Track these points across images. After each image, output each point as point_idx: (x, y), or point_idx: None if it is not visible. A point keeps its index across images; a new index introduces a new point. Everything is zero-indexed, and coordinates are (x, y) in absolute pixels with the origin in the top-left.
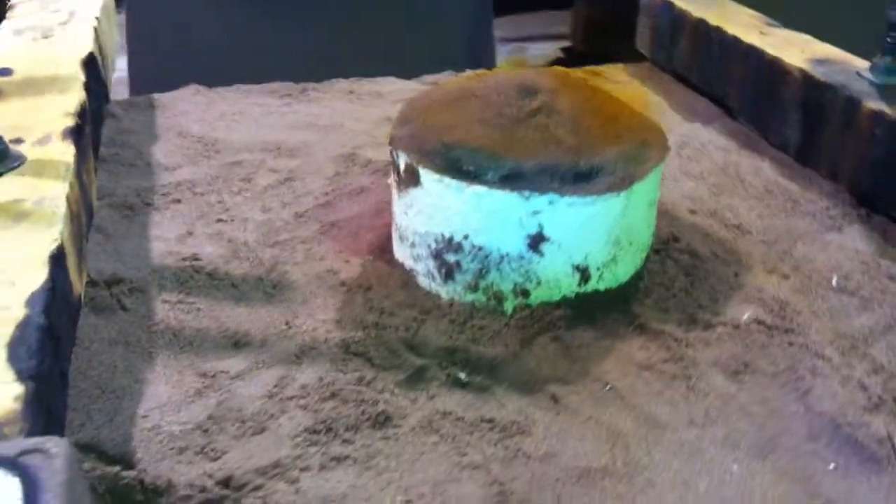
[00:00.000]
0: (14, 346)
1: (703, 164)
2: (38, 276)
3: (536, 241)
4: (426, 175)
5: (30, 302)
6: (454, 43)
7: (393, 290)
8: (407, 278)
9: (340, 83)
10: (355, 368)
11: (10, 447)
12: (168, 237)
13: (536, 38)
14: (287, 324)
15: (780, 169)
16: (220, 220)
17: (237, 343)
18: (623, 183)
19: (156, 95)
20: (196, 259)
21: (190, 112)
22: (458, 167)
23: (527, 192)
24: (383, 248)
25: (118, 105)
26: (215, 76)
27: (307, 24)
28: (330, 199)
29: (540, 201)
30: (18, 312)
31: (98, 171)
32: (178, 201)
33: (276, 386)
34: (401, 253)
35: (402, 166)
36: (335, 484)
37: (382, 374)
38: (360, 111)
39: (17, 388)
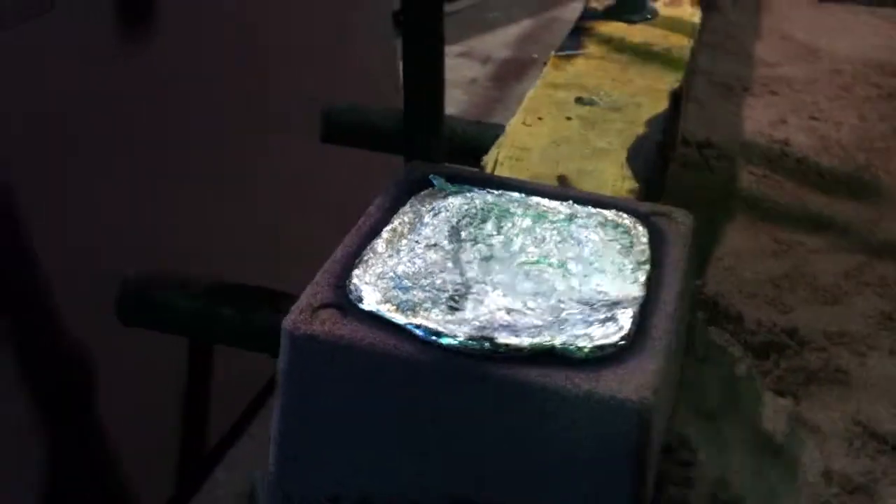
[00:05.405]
0: (632, 155)
1: None
2: (661, 104)
3: None
4: None
5: (650, 122)
6: None
7: None
8: None
9: None
10: None
11: (645, 206)
12: (760, 120)
13: None
14: (873, 221)
15: None
16: (813, 118)
17: (818, 225)
18: None
19: None
20: (786, 144)
21: (795, 19)
22: None
23: None
24: None
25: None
26: None
27: None
28: None
29: None
30: (639, 129)
31: (700, 51)
32: (775, 93)
33: (854, 269)
34: None
35: None
36: None
37: None
38: None
39: (633, 184)
